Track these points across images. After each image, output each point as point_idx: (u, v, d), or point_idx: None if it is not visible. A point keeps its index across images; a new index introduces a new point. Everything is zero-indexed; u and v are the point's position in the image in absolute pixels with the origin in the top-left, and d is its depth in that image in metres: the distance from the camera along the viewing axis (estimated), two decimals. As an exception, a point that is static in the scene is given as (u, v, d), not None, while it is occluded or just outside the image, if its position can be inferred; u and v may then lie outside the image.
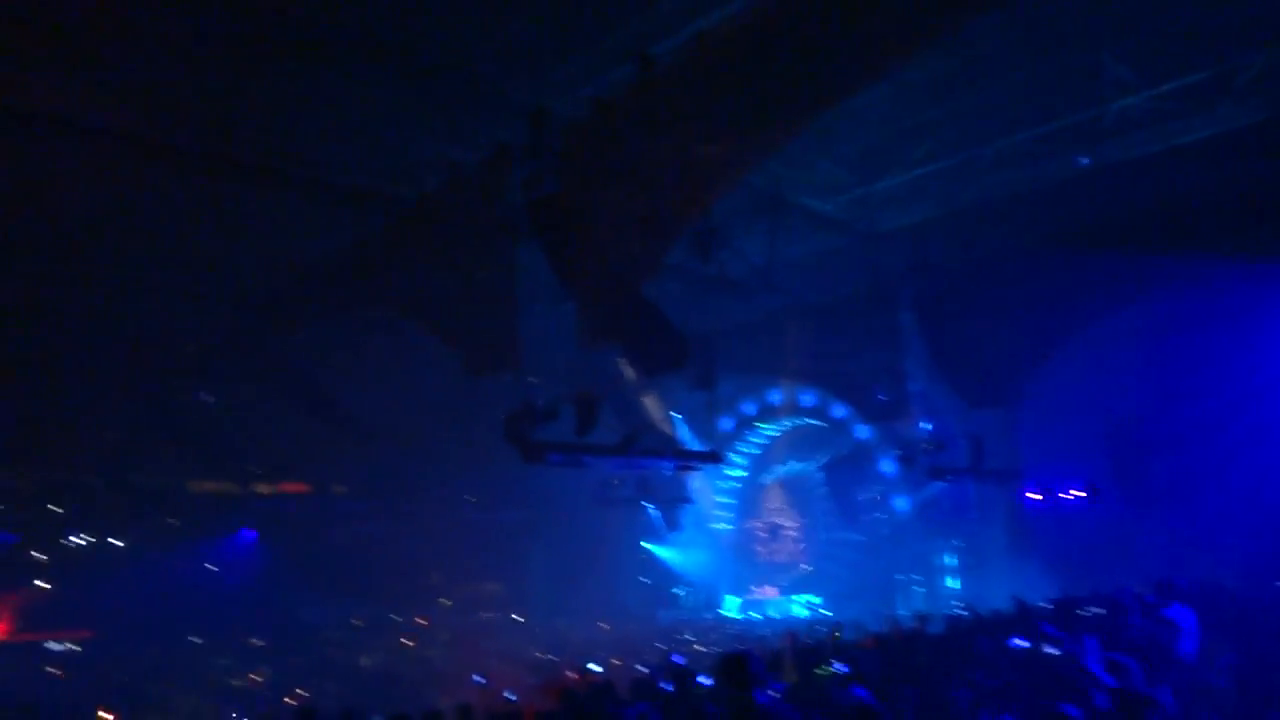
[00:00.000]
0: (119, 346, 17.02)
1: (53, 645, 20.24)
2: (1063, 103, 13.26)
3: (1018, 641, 8.53)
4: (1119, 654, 7.31)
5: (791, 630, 12.09)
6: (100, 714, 13.97)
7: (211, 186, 13.13)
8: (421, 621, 23.99)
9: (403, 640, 22.53)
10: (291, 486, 23.12)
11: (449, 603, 25.67)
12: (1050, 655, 7.65)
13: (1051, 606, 10.87)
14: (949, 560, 20.52)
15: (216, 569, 22.64)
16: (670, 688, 7.91)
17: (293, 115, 12.35)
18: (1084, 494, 16.81)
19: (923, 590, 20.48)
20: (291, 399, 18.92)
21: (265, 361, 17.86)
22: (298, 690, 17.54)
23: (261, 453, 21.52)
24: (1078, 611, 10.20)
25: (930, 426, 18.15)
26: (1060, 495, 17.96)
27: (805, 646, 9.93)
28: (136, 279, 15.64)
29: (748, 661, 5.07)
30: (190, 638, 20.95)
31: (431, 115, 12.56)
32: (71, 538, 21.09)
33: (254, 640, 21.26)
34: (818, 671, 8.32)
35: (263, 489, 22.38)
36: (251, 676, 19.28)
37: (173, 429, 19.78)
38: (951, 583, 20.43)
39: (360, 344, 17.89)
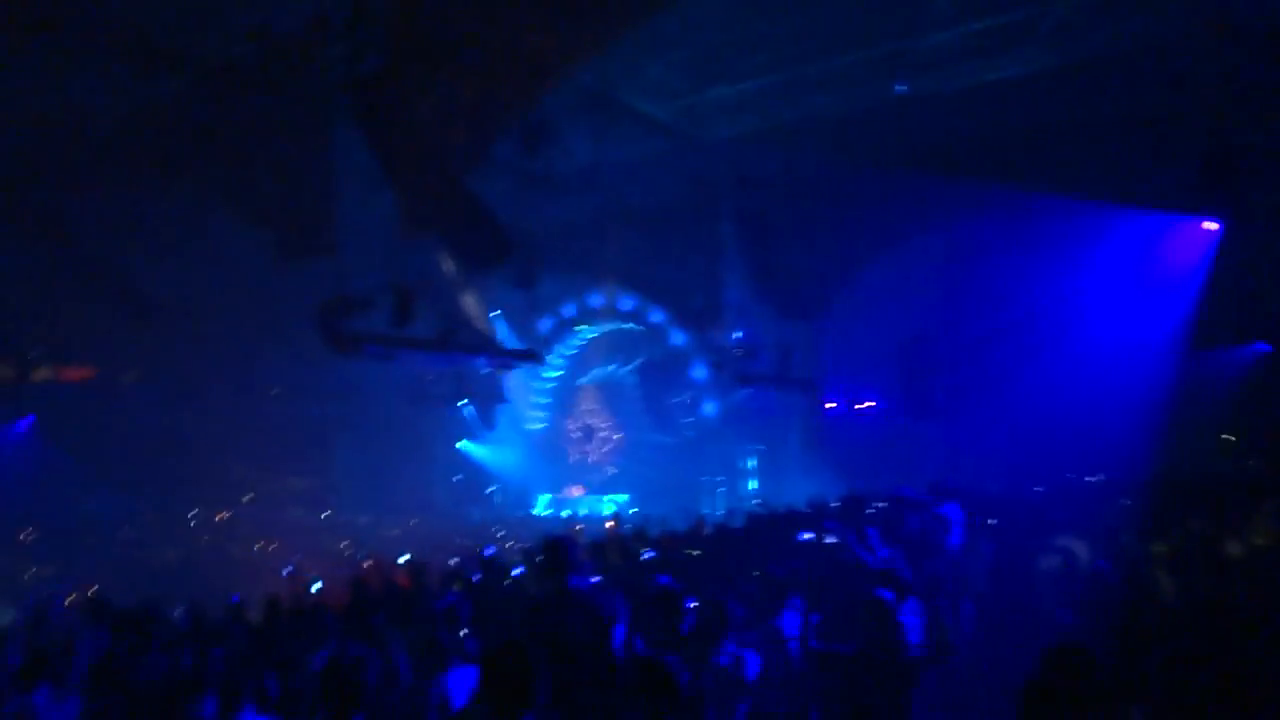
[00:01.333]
0: None
1: None
2: (885, 30, 13.81)
3: (805, 535, 9.21)
4: (896, 544, 8.07)
5: (613, 520, 12.46)
6: None
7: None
8: (221, 515, 23.16)
9: (200, 535, 21.73)
10: (75, 372, 21.44)
11: (250, 496, 24.84)
12: (833, 546, 8.31)
13: (839, 504, 11.75)
14: (751, 463, 21.60)
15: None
16: (479, 577, 8.05)
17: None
18: (874, 404, 18.07)
19: (725, 490, 21.52)
20: (76, 275, 17.35)
21: (44, 231, 16.27)
22: (85, 586, 16.68)
23: (40, 334, 19.78)
24: (863, 509, 11.08)
25: (741, 335, 18.90)
26: (855, 405, 19.26)
27: (617, 536, 10.32)
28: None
29: (565, 548, 5.21)
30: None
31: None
32: None
33: (30, 532, 19.94)
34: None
35: (41, 374, 20.62)
36: (31, 572, 18.16)
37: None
38: (752, 484, 21.57)
39: (157, 218, 16.57)
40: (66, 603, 11.55)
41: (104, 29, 11.94)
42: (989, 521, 9.94)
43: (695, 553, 8.72)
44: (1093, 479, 13.06)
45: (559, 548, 5.19)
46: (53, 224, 16.28)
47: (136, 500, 22.02)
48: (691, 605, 5.81)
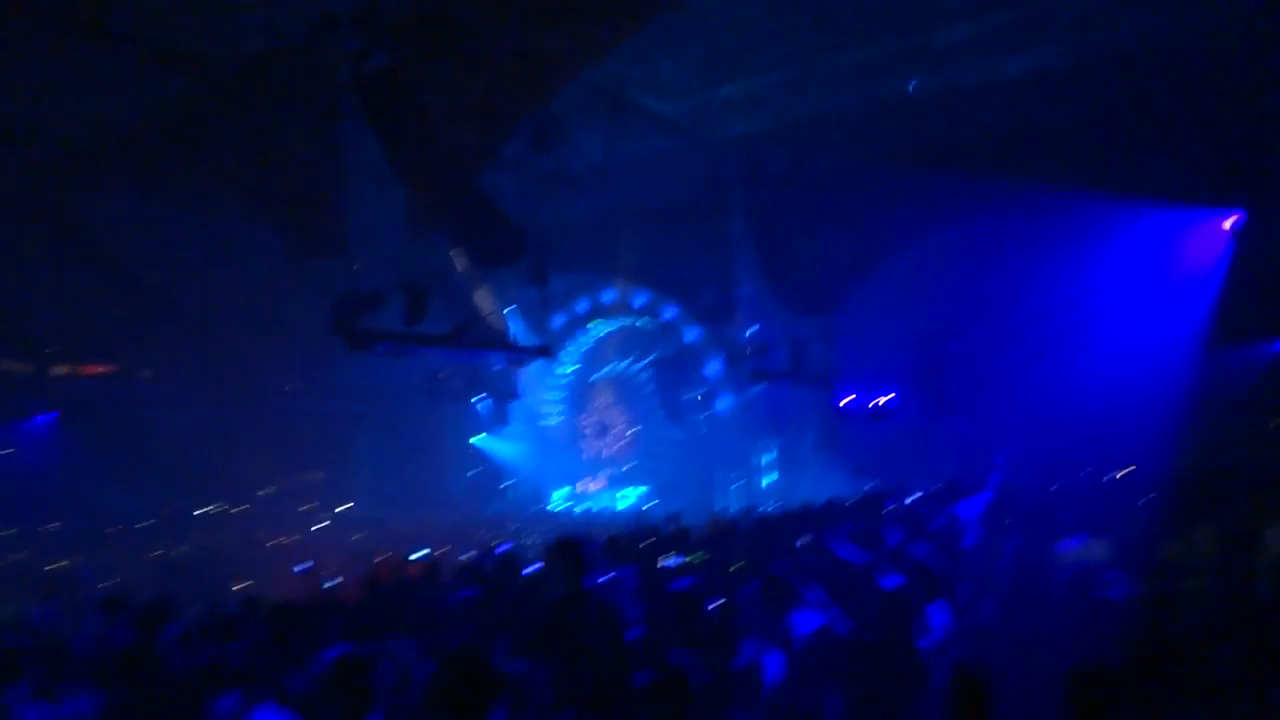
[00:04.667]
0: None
1: None
2: (897, 26, 13.73)
3: (823, 533, 9.16)
4: (915, 540, 8.03)
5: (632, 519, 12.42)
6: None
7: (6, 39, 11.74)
8: (239, 510, 23.30)
9: (218, 530, 21.86)
10: (94, 369, 21.59)
11: (270, 490, 24.98)
12: (849, 543, 8.28)
13: (858, 501, 11.72)
14: (766, 458, 21.56)
15: (8, 452, 21.06)
16: (494, 574, 8.03)
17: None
18: (890, 400, 17.99)
19: (740, 486, 21.50)
20: (94, 274, 17.47)
21: (63, 231, 16.38)
22: (104, 582, 16.80)
23: (60, 331, 19.93)
24: (882, 506, 11.06)
25: (755, 330, 18.85)
26: (870, 401, 19.17)
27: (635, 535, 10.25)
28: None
29: (579, 547, 5.17)
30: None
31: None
32: None
33: (51, 526, 20.10)
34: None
35: (61, 370, 20.79)
36: (52, 567, 18.28)
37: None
38: (767, 480, 21.53)
39: (170, 219, 16.68)
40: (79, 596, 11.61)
41: (116, 32, 12.00)
42: (1008, 519, 9.89)
43: (703, 556, 8.65)
44: (1113, 476, 12.96)
45: (573, 547, 5.16)
46: (69, 224, 16.39)
47: (155, 495, 22.15)
48: (710, 606, 5.78)
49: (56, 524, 19.77)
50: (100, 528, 20.56)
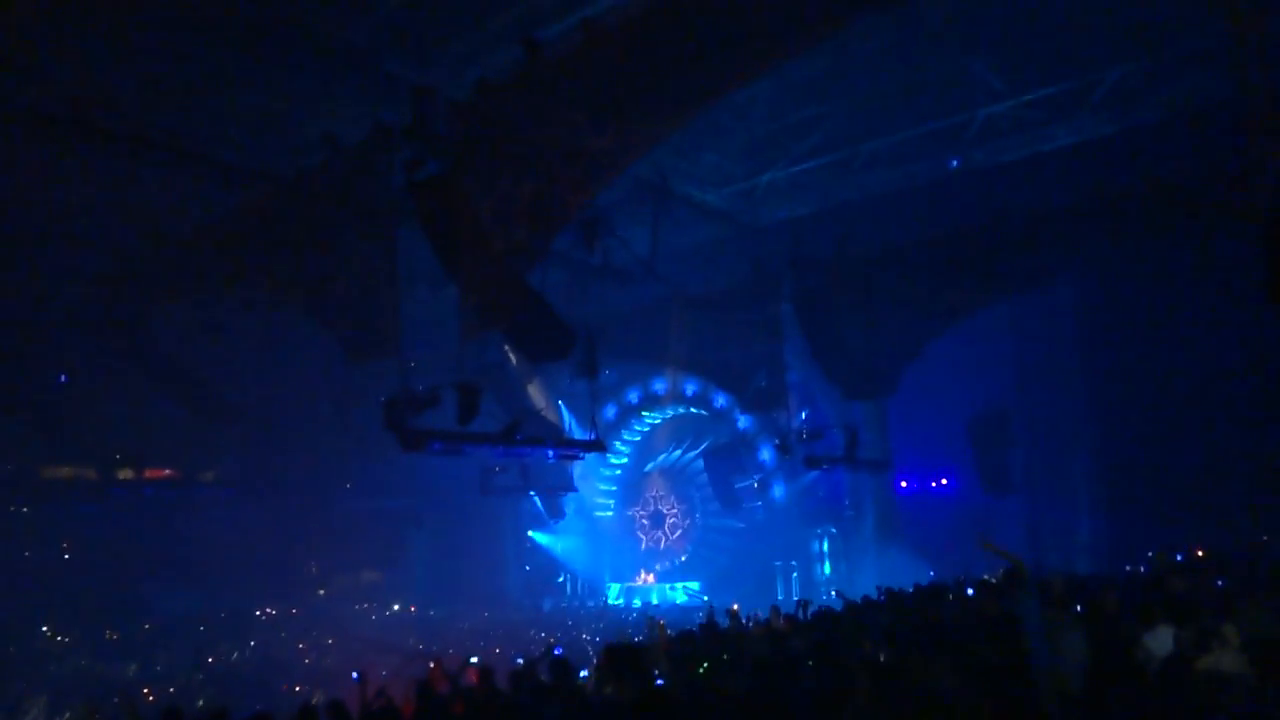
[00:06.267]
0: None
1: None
2: (934, 106, 13.88)
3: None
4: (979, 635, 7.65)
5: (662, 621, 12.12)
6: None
7: (78, 155, 12.40)
8: (294, 612, 23.31)
9: (275, 630, 21.86)
10: (154, 472, 22.03)
11: (324, 592, 25.02)
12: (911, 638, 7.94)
13: (918, 592, 11.30)
14: (823, 546, 21.14)
15: (69, 557, 21.41)
16: (550, 679, 7.84)
17: (165, 85, 11.78)
18: (947, 483, 17.59)
19: (798, 575, 21.05)
20: (156, 380, 17.99)
21: (127, 340, 16.94)
22: (161, 686, 16.84)
23: (122, 437, 20.43)
24: (943, 598, 10.65)
25: (806, 416, 18.66)
26: (928, 485, 18.77)
27: (684, 638, 9.97)
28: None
29: (635, 654, 5.06)
30: (42, 629, 19.82)
31: (311, 91, 12.18)
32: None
33: (112, 634, 20.26)
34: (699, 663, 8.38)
35: (126, 475, 21.25)
36: (112, 672, 18.40)
37: (26, 410, 18.56)
38: (826, 568, 21.07)
39: (231, 325, 17.17)
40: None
41: (179, 144, 12.60)
42: (1076, 608, 9.37)
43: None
44: (1193, 556, 12.33)
45: (626, 655, 5.06)
46: (134, 331, 16.94)
47: (215, 596, 22.29)
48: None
49: (115, 634, 19.93)
50: (157, 632, 20.69)
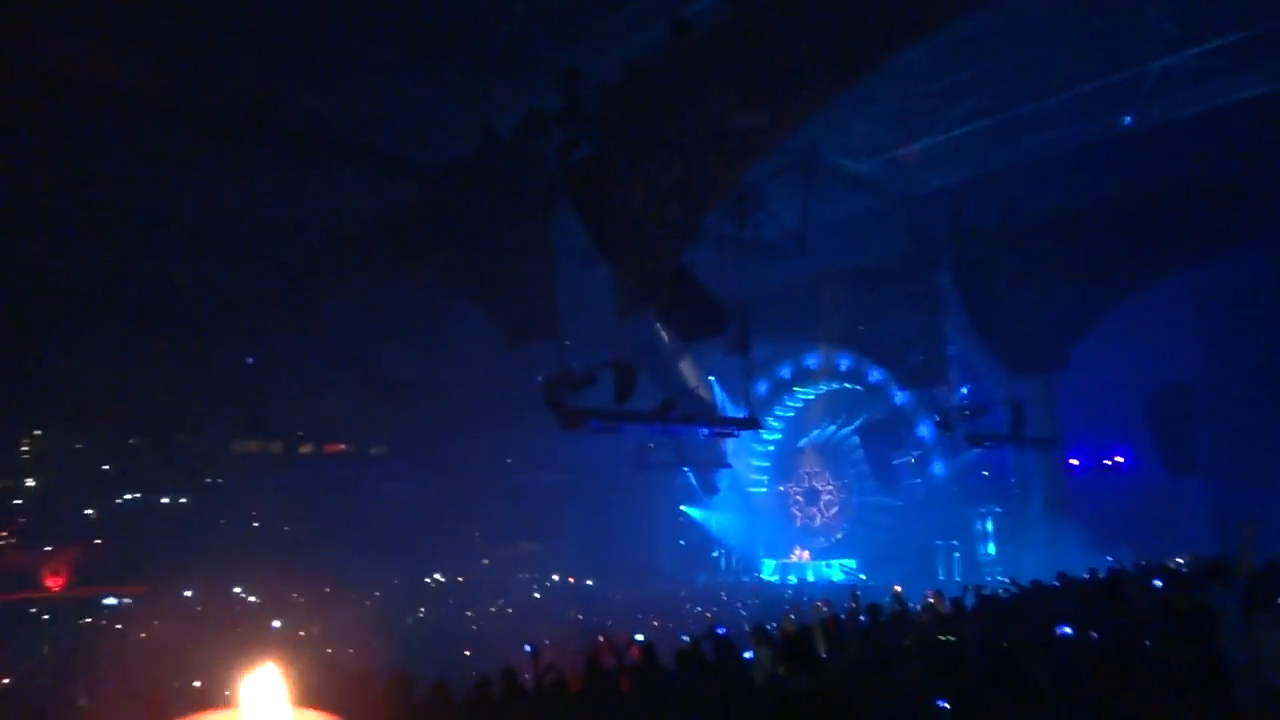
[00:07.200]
0: (163, 311, 17.36)
1: (109, 600, 20.81)
2: (1104, 60, 12.94)
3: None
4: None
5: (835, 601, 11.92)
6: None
7: (249, 154, 13.28)
8: (460, 580, 24.37)
9: (443, 597, 22.90)
10: (333, 446, 23.54)
11: (487, 561, 26.03)
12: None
13: (1102, 580, 10.66)
14: (987, 526, 20.42)
15: (258, 525, 23.06)
16: (714, 659, 7.83)
17: (328, 83, 12.42)
18: (1124, 461, 16.62)
19: (960, 556, 20.43)
20: (332, 362, 19.19)
21: (307, 325, 18.10)
22: (344, 645, 17.91)
23: (303, 413, 21.88)
24: (1130, 587, 10.00)
25: (967, 391, 18.00)
26: (1102, 462, 17.78)
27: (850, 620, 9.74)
28: (181, 246, 15.93)
29: (811, 641, 4.99)
30: (235, 590, 21.47)
31: (464, 81, 12.55)
32: (125, 495, 21.73)
33: (297, 597, 21.72)
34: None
35: (307, 449, 22.83)
36: (300, 633, 19.72)
37: (216, 391, 20.17)
38: (990, 549, 20.36)
39: (400, 309, 18.08)
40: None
41: (344, 141, 13.28)
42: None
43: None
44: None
45: (803, 641, 5.01)
46: (311, 316, 18.07)
47: (385, 565, 23.57)
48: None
49: (300, 598, 21.33)
50: (337, 597, 22.03)
